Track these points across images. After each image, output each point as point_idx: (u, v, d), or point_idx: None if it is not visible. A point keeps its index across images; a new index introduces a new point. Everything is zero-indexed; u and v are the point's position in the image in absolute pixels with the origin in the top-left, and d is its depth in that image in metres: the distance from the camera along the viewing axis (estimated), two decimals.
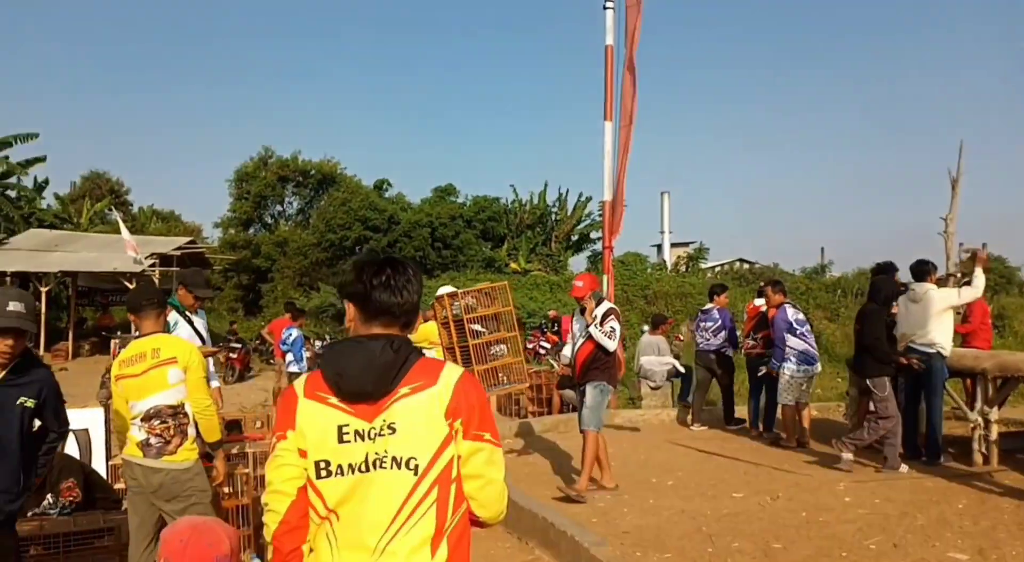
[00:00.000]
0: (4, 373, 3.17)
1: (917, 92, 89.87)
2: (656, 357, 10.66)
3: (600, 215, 31.58)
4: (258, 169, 37.15)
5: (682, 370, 10.62)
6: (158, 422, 3.88)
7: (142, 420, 3.89)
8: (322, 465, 1.77)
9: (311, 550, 1.82)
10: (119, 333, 21.13)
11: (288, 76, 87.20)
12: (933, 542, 4.89)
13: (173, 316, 5.16)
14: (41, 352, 19.49)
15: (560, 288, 29.30)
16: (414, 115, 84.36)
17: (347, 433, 1.77)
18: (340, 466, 1.77)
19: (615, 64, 10.39)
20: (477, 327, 6.98)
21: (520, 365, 7.41)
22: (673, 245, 45.61)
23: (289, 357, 12.26)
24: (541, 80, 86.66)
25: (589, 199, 35.53)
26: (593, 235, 36.80)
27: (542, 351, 19.34)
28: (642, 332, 15.54)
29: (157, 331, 4.08)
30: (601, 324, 6.21)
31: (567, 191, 36.85)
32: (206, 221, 65.78)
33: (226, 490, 5.07)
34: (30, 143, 28.07)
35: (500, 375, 7.15)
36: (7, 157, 28.68)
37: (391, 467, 1.76)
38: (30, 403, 3.21)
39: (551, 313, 21.47)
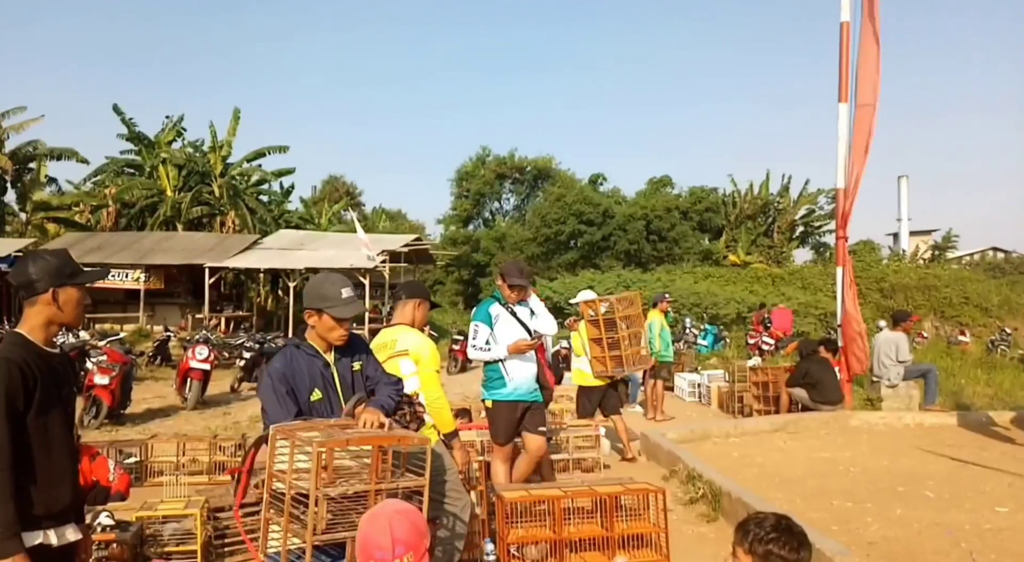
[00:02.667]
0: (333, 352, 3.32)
1: None
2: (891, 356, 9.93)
3: (829, 203, 29.59)
4: (477, 168, 38.94)
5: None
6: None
7: None
8: None
9: None
10: (355, 326, 23.18)
11: (505, 74, 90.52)
12: None
13: (496, 308, 5.33)
14: None
15: (783, 281, 27.95)
16: (629, 108, 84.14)
17: None
18: None
19: (851, 42, 9.74)
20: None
21: (639, 354, 8.20)
22: (912, 233, 41.77)
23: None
24: (764, 64, 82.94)
25: (820, 191, 33.56)
26: (820, 225, 34.71)
27: (764, 347, 18.54)
28: (878, 328, 14.47)
29: (403, 323, 4.42)
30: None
31: (789, 179, 35.06)
32: (429, 219, 70.13)
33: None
34: (281, 154, 31.56)
35: (631, 361, 7.99)
36: (260, 166, 32.45)
37: None
38: (357, 366, 3.38)
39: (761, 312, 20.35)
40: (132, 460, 7.01)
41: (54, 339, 2.67)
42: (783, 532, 2.24)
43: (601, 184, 37.86)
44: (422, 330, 4.53)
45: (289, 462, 2.82)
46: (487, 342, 5.27)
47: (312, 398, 3.15)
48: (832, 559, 4.22)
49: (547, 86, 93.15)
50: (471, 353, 5.42)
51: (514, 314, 5.33)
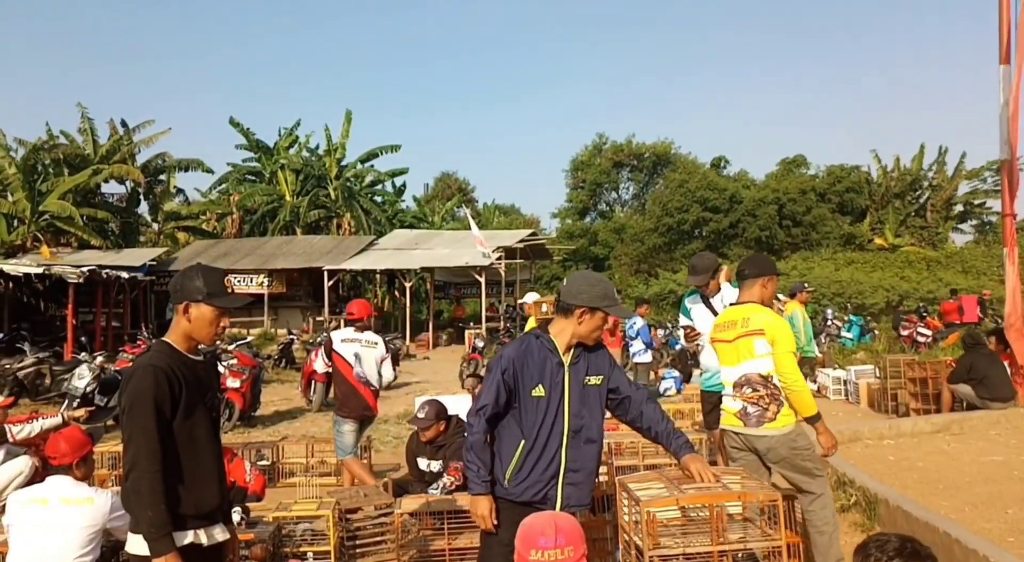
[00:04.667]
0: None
1: None
2: None
3: (993, 177, 27.75)
4: (593, 157, 38.81)
5: None
6: (749, 390, 4.22)
7: (734, 387, 4.29)
8: None
9: None
10: (471, 325, 23.55)
11: (619, 61, 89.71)
12: None
13: (694, 299, 5.65)
14: (407, 343, 22.36)
15: (940, 265, 26.41)
16: (752, 85, 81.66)
17: None
18: None
19: None
20: None
21: None
22: None
23: (637, 345, 12.55)
24: (911, 23, 78.45)
25: (988, 164, 31.46)
26: (982, 202, 32.51)
27: (920, 339, 17.56)
28: None
29: (752, 301, 4.41)
30: None
31: (946, 151, 32.98)
32: (543, 213, 70.50)
33: None
34: (393, 154, 32.55)
35: None
36: (373, 167, 33.57)
37: None
38: (595, 381, 3.36)
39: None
40: (265, 462, 7.40)
41: (198, 348, 2.88)
42: (909, 557, 2.13)
43: (725, 168, 37.00)
44: (770, 307, 4.58)
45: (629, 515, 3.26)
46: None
47: (533, 393, 3.20)
48: None
49: (666, 66, 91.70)
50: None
51: (709, 306, 5.53)
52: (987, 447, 7.68)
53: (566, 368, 3.25)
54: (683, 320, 5.77)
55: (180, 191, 32.86)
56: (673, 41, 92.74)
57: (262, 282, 25.27)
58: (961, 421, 8.56)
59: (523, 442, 3.18)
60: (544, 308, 9.76)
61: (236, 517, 5.05)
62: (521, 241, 25.37)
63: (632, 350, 12.74)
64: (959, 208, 33.07)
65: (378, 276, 28.05)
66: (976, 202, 32.59)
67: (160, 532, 2.52)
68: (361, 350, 6.89)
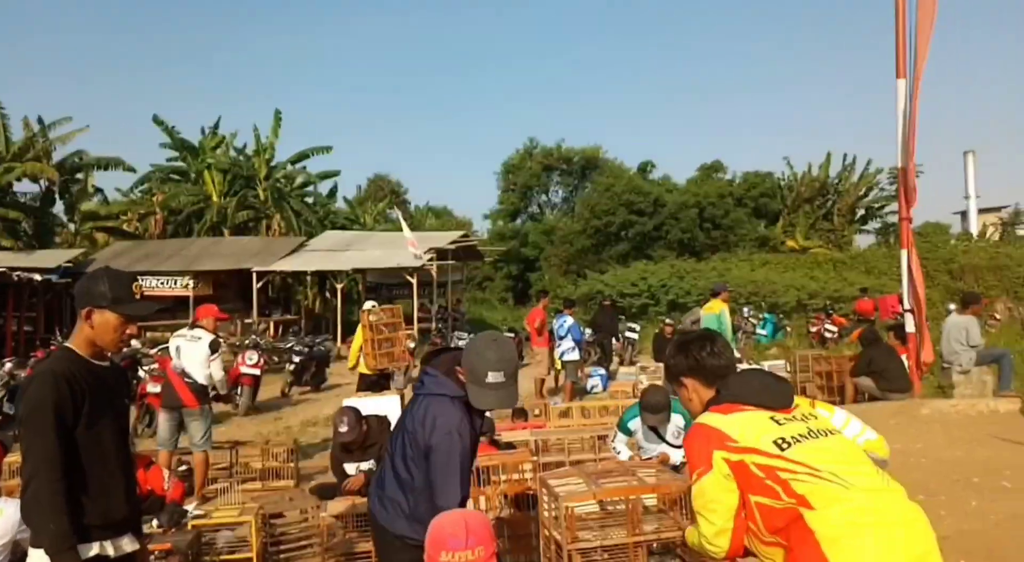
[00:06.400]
0: None
1: None
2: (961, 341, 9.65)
3: (891, 183, 28.85)
4: (524, 160, 38.93)
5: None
6: None
7: None
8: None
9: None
10: (404, 325, 23.37)
11: (551, 64, 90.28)
12: None
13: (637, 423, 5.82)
14: (338, 344, 22.04)
15: (845, 265, 27.37)
16: (677, 92, 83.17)
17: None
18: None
19: (907, 13, 9.45)
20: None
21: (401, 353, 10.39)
22: (981, 211, 40.42)
23: (565, 344, 12.64)
24: (816, 37, 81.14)
25: (880, 170, 32.80)
26: (882, 206, 33.86)
27: (828, 335, 18.18)
28: (947, 312, 14.05)
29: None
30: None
31: (854, 159, 34.23)
32: (476, 214, 70.45)
33: (515, 476, 5.37)
34: (325, 155, 32.02)
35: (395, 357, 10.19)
36: (304, 168, 32.99)
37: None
38: None
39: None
40: (185, 468, 7.19)
41: (104, 352, 2.75)
42: (704, 339, 2.52)
43: (651, 172, 37.57)
44: None
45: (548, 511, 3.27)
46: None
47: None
48: None
49: (594, 74, 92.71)
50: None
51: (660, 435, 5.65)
52: (887, 436, 7.83)
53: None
54: (620, 438, 5.77)
55: (99, 191, 31.57)
56: (603, 48, 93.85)
57: (187, 284, 24.51)
58: (863, 412, 8.83)
59: None
60: (372, 317, 9.70)
61: (156, 523, 4.90)
62: (453, 242, 25.26)
63: (560, 348, 12.84)
64: (862, 212, 34.35)
65: (309, 278, 27.56)
66: (877, 206, 33.92)
67: (63, 545, 2.41)
68: (184, 343, 7.13)
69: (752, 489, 2.15)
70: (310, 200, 33.92)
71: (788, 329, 21.09)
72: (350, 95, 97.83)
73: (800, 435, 2.19)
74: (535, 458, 5.69)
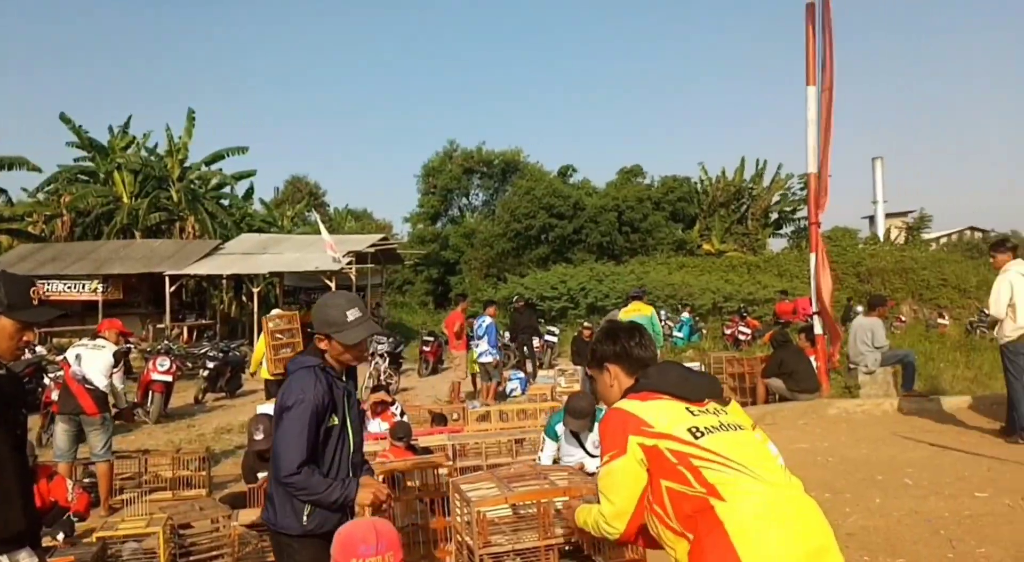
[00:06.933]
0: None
1: None
2: (867, 342, 10.06)
3: (802, 188, 29.91)
4: (444, 163, 38.75)
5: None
6: None
7: None
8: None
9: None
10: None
11: (470, 69, 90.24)
12: None
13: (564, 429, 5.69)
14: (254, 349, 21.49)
15: (759, 269, 28.20)
16: (598, 99, 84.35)
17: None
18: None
19: (817, 24, 9.83)
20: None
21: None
22: (888, 215, 42.39)
23: (482, 346, 12.62)
24: (734, 47, 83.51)
25: (790, 176, 33.96)
26: (793, 210, 35.06)
27: (741, 337, 18.71)
28: (855, 314, 14.59)
29: None
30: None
31: (764, 164, 35.36)
32: (396, 217, 69.86)
33: (430, 481, 5.30)
34: (241, 155, 31.19)
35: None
36: (220, 170, 32.08)
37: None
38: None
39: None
40: (91, 479, 6.89)
41: (2, 361, 2.62)
42: (633, 330, 2.64)
43: (571, 176, 37.91)
44: None
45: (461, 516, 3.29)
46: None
47: (329, 424, 3.04)
48: None
49: (514, 77, 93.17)
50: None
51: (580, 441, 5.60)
52: (795, 436, 8.26)
53: (349, 392, 3.17)
54: (549, 445, 5.77)
55: (2, 191, 30.10)
56: (522, 52, 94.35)
57: (96, 288, 23.53)
58: (774, 412, 9.17)
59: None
60: (271, 324, 9.64)
61: (61, 536, 4.66)
62: (372, 246, 24.98)
63: (478, 350, 12.80)
64: (775, 216, 35.51)
65: (224, 281, 26.80)
66: (789, 210, 35.13)
67: None
68: (85, 352, 7.10)
69: (664, 474, 2.20)
70: (225, 202, 32.99)
71: (704, 331, 21.60)
72: (267, 95, 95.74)
73: (713, 426, 2.28)
74: (450, 463, 5.65)
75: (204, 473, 7.38)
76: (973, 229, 43.63)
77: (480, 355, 12.72)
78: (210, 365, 14.23)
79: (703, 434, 2.24)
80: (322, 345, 3.08)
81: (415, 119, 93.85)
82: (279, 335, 9.72)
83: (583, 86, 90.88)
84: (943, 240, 40.01)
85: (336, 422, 3.06)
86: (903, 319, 21.96)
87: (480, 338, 12.74)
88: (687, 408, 2.33)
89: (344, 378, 3.18)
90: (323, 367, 3.06)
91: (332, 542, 2.53)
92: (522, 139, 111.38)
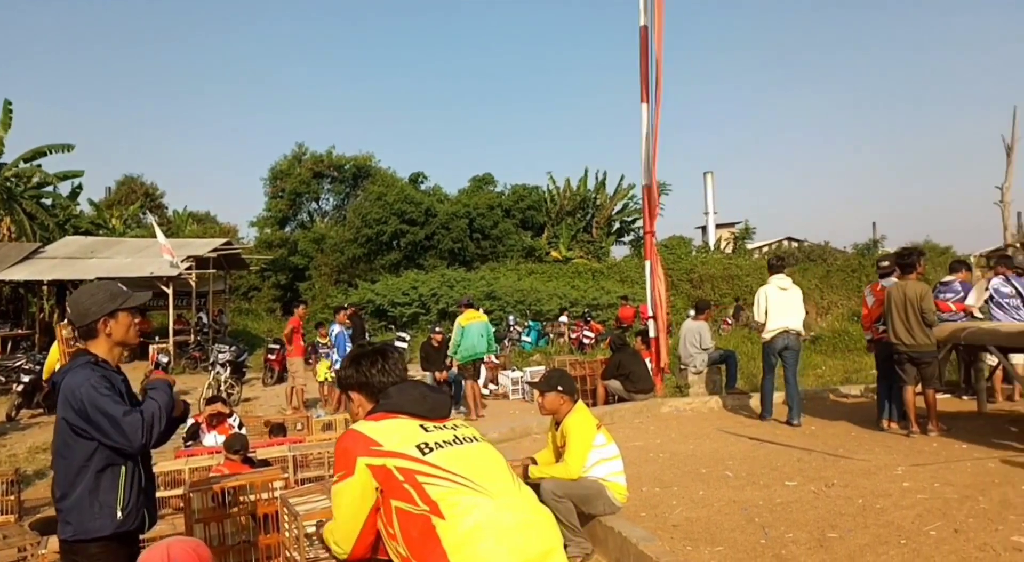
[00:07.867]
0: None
1: (967, 58, 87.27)
2: (695, 344, 10.65)
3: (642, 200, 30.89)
4: (292, 166, 37.67)
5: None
6: None
7: None
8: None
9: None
10: (156, 339, 21.68)
11: (320, 72, 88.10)
12: (996, 526, 4.82)
13: None
14: None
15: (603, 275, 29.25)
16: (448, 106, 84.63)
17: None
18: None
19: (649, 45, 10.33)
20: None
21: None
22: (719, 226, 45.18)
23: (334, 355, 12.38)
24: (579, 63, 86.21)
25: (632, 186, 35.47)
26: (634, 220, 36.63)
27: (586, 340, 19.31)
28: (687, 317, 15.41)
29: None
30: None
31: (605, 175, 36.73)
32: (242, 221, 67.05)
33: (264, 496, 5.14)
34: (66, 154, 28.91)
35: None
36: (40, 166, 29.60)
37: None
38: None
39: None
40: None
41: None
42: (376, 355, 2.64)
43: (422, 183, 37.86)
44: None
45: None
46: None
47: None
48: (637, 545, 4.45)
49: (365, 83, 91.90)
50: None
51: None
52: (631, 434, 8.62)
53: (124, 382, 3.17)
54: None
55: None
56: (376, 59, 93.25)
57: None
58: (612, 412, 9.52)
59: (124, 466, 2.98)
60: (66, 332, 9.43)
61: None
62: (215, 250, 23.87)
63: (332, 357, 12.55)
64: (617, 225, 37.01)
65: (45, 288, 24.77)
66: (630, 220, 36.72)
67: None
68: None
69: (394, 494, 2.20)
70: (48, 202, 30.51)
71: (551, 336, 22.14)
72: (97, 91, 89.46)
73: (445, 441, 2.31)
74: (287, 475, 5.48)
75: (12, 498, 6.78)
76: (790, 239, 47.20)
77: (335, 363, 12.48)
78: (25, 379, 13.11)
79: (432, 450, 2.26)
80: (106, 329, 3.13)
81: (262, 121, 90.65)
82: (71, 342, 9.11)
83: (434, 95, 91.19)
84: (765, 249, 43.00)
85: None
86: (730, 322, 23.37)
87: (333, 347, 12.51)
88: (421, 425, 2.36)
89: (119, 371, 3.19)
90: (97, 362, 3.08)
91: None
92: (373, 145, 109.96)
